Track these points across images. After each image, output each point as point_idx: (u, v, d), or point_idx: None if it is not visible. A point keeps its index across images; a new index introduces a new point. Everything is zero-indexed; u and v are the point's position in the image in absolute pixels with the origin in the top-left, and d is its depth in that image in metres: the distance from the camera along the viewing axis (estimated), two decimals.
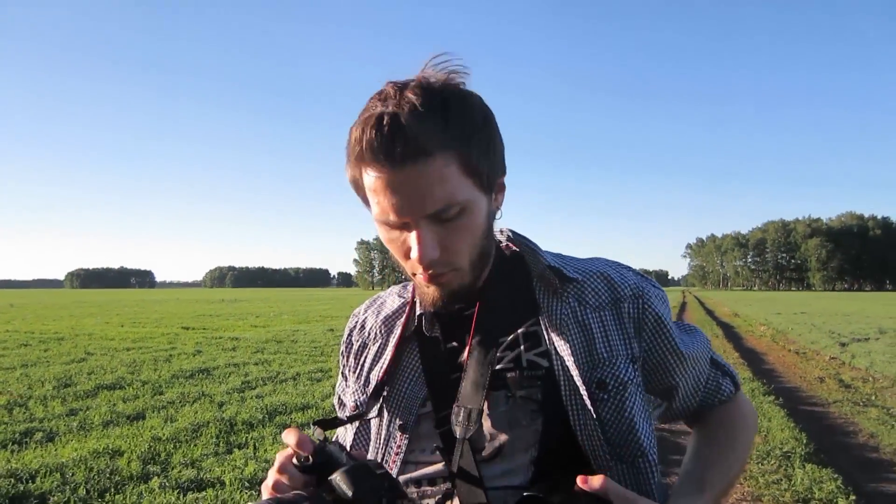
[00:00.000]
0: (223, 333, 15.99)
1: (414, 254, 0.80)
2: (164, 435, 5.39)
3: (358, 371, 1.01)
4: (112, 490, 4.08)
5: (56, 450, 5.00)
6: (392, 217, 0.78)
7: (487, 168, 0.80)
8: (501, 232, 0.97)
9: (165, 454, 4.91)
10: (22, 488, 3.97)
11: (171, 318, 22.76)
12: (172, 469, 4.53)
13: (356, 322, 1.08)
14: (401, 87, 0.76)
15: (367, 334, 1.04)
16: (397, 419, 0.92)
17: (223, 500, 3.90)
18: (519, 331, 0.89)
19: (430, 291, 0.85)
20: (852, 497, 4.06)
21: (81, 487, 4.03)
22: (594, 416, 0.83)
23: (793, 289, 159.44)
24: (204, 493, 4.04)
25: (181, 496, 3.98)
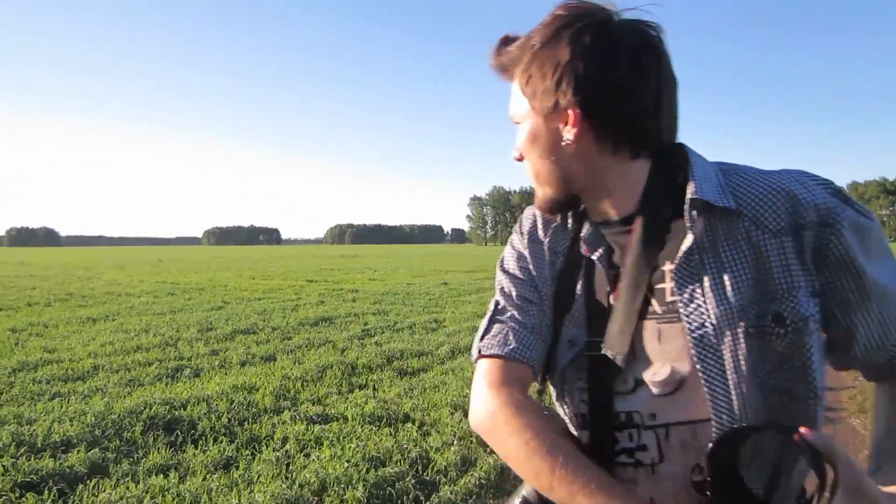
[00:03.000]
0: (343, 286, 16.83)
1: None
2: (293, 374, 5.86)
3: (538, 277, 0.95)
4: (250, 419, 4.53)
5: (202, 383, 5.60)
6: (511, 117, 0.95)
7: (543, 93, 0.85)
8: (669, 150, 0.89)
9: (294, 391, 5.35)
10: (176, 414, 4.50)
11: (296, 272, 24.21)
12: (301, 404, 4.94)
13: (535, 218, 1.00)
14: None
15: (546, 240, 0.98)
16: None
17: (346, 433, 4.22)
18: (668, 266, 0.84)
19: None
20: None
21: (224, 416, 4.52)
22: (746, 351, 0.78)
23: None
24: (329, 425, 4.39)
25: (309, 427, 4.34)
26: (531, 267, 0.95)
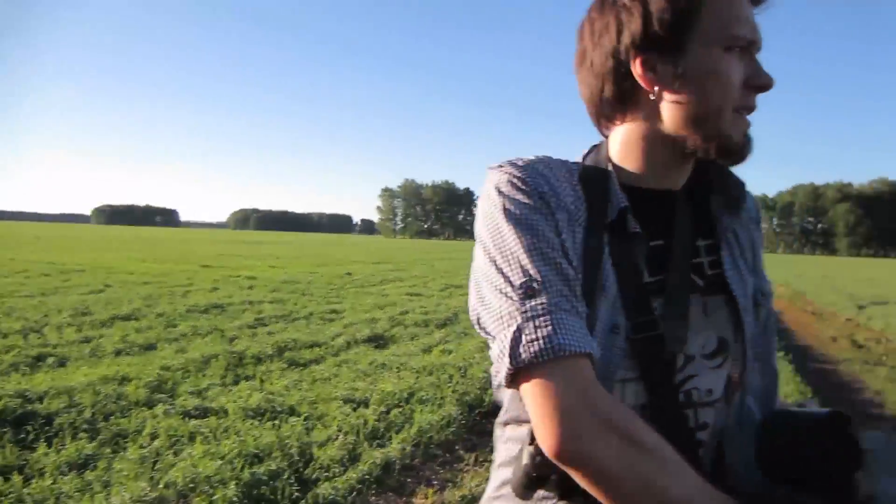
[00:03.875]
0: (241, 272, 16.18)
1: (764, 78, 0.79)
2: (173, 365, 5.48)
3: (572, 253, 0.79)
4: (118, 414, 4.17)
5: (67, 374, 5.11)
6: (748, 34, 0.78)
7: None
8: None
9: (173, 383, 4.99)
10: (30, 408, 4.07)
11: (192, 257, 23.09)
12: (178, 397, 4.61)
13: (551, 180, 0.82)
14: None
15: (572, 207, 0.82)
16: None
17: (225, 427, 3.97)
18: (701, 242, 0.87)
19: (741, 130, 0.80)
20: None
21: (88, 410, 4.12)
22: (759, 324, 0.89)
23: (817, 253, 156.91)
24: (206, 419, 4.11)
25: (185, 422, 4.05)
26: (565, 239, 0.78)
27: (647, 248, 0.82)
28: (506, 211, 0.78)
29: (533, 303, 0.73)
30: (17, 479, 3.09)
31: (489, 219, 0.80)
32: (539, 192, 0.79)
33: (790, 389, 5.44)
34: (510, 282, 0.75)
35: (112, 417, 4.09)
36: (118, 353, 6.03)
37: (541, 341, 0.71)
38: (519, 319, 0.73)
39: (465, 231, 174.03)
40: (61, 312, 8.10)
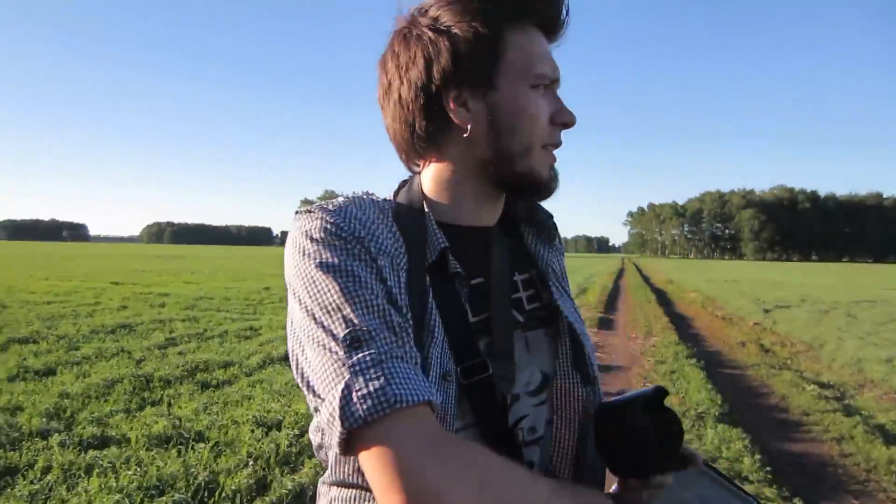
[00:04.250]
0: (153, 289, 15.47)
1: (568, 116, 0.81)
2: (73, 391, 5.14)
3: (399, 297, 0.74)
4: (7, 446, 3.85)
5: None
6: (551, 73, 0.80)
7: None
8: None
9: (72, 411, 4.67)
10: None
11: (101, 273, 21.90)
12: (77, 426, 4.32)
13: (370, 223, 0.76)
14: None
15: (392, 250, 0.76)
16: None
17: (127, 458, 3.73)
18: (518, 276, 0.88)
19: (548, 165, 0.82)
20: (757, 456, 4.20)
21: None
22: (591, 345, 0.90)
23: (726, 258, 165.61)
24: (107, 450, 3.86)
25: (81, 453, 3.78)
26: (391, 285, 0.72)
27: (469, 288, 0.80)
28: (322, 260, 0.72)
29: (360, 355, 0.66)
30: None
31: (302, 270, 0.73)
32: (357, 237, 0.73)
33: (702, 397, 5.63)
34: (333, 335, 0.67)
35: (1, 450, 3.77)
36: (12, 379, 5.62)
37: (373, 396, 0.63)
38: (346, 375, 0.65)
39: None
40: None
